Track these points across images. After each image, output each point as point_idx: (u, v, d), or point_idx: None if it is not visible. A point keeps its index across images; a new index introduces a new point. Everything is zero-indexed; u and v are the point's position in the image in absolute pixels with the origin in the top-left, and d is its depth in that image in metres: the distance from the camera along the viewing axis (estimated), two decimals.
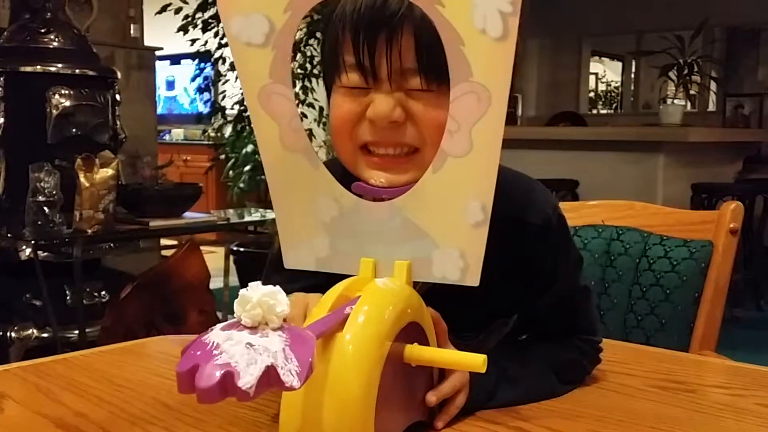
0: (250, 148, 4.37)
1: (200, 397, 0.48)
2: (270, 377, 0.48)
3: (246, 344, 0.49)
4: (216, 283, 2.92)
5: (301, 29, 3.58)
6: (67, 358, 1.00)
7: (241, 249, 3.94)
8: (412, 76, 0.74)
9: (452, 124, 0.68)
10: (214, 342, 0.50)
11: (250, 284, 0.53)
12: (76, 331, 2.54)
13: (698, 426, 0.78)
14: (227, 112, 3.90)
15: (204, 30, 3.55)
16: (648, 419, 0.79)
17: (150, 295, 2.58)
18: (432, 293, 0.76)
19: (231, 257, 3.77)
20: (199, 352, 0.50)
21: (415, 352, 0.67)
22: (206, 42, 3.68)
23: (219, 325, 0.52)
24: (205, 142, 5.38)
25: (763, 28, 6.26)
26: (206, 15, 3.53)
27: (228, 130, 4.24)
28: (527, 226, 0.85)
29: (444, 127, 0.70)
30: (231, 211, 3.69)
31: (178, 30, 3.62)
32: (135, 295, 2.53)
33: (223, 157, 4.41)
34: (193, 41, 3.68)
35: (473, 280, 0.69)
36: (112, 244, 2.86)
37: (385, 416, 0.63)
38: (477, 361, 0.65)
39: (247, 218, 3.56)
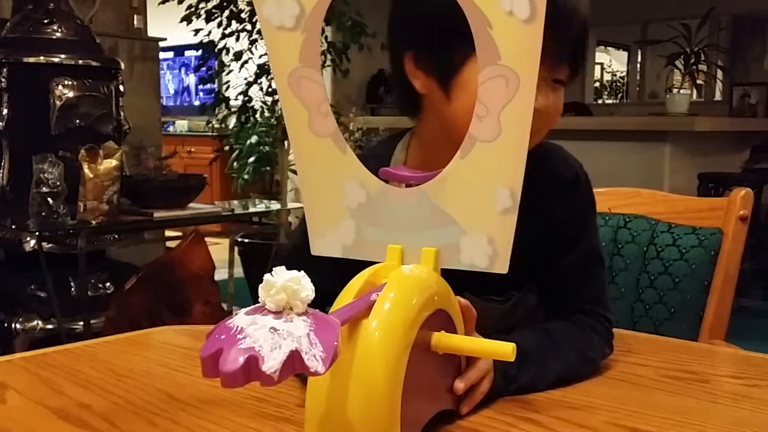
0: (254, 139, 4.35)
1: (224, 381, 0.47)
2: (294, 362, 0.48)
3: (270, 329, 0.49)
4: (220, 274, 2.91)
5: None
6: (70, 349, 0.99)
7: (246, 240, 3.93)
8: (561, 66, 0.81)
9: (481, 109, 0.66)
10: (238, 326, 0.49)
11: (274, 269, 0.52)
12: (81, 323, 2.53)
13: (714, 417, 0.76)
14: (231, 103, 3.89)
15: (208, 20, 3.53)
16: (662, 410, 0.77)
17: (155, 287, 2.57)
18: None
19: (236, 249, 3.76)
20: (223, 336, 0.49)
21: (442, 340, 0.66)
22: (210, 32, 3.66)
23: (243, 310, 0.52)
24: (209, 134, 5.36)
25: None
26: (210, 5, 3.51)
27: (232, 122, 4.22)
28: (558, 180, 0.89)
29: (557, 119, 0.81)
30: (235, 202, 3.68)
31: (182, 20, 3.60)
32: (139, 287, 2.52)
33: (227, 148, 4.39)
34: (197, 31, 3.66)
35: (502, 267, 0.68)
36: (116, 236, 2.86)
37: (412, 404, 0.62)
38: (506, 349, 0.64)
39: (251, 209, 3.55)
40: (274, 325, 0.49)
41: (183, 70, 6.75)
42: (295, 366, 0.48)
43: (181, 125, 6.46)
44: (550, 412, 0.76)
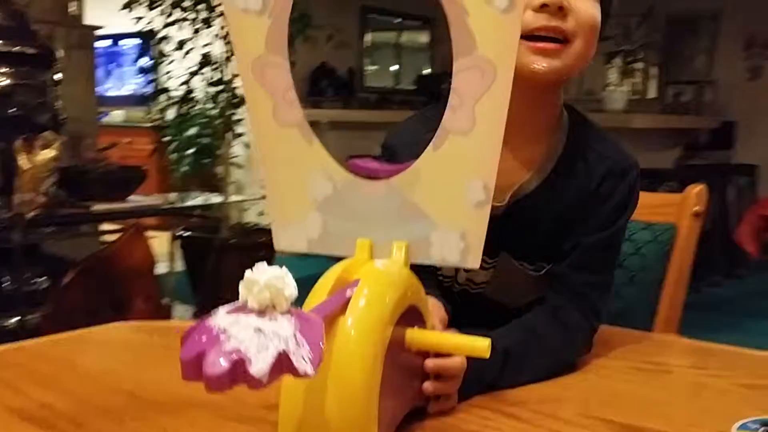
0: (193, 131, 4.27)
1: (209, 385, 0.45)
2: (282, 364, 0.46)
3: (255, 329, 0.47)
4: (160, 268, 2.85)
5: None
6: (24, 347, 0.95)
7: (187, 234, 3.85)
8: None
9: (455, 99, 0.65)
10: (219, 326, 0.47)
11: (256, 265, 0.50)
12: (15, 318, 2.45)
13: (681, 407, 0.78)
14: (172, 93, 3.80)
15: (150, 8, 3.45)
16: (633, 401, 0.78)
17: (93, 281, 2.50)
18: (508, 216, 0.89)
19: (177, 242, 3.69)
20: (204, 338, 0.46)
21: (416, 336, 0.65)
22: (150, 21, 3.57)
23: (222, 309, 0.49)
24: (146, 125, 5.25)
25: (701, 17, 6.39)
26: None
27: (171, 113, 4.13)
28: (610, 162, 0.92)
29: (593, 28, 0.86)
30: (173, 194, 3.60)
31: (124, 7, 3.51)
32: (78, 281, 2.45)
33: (167, 139, 4.31)
34: (139, 19, 3.56)
35: (474, 262, 0.67)
36: (52, 229, 2.77)
37: (388, 402, 0.61)
38: (481, 345, 0.63)
39: (192, 202, 3.49)
40: (258, 325, 0.47)
41: (120, 58, 6.57)
42: (282, 368, 0.46)
43: (117, 115, 6.29)
44: (526, 405, 0.76)
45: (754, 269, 4.52)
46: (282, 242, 0.72)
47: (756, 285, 4.54)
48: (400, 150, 0.93)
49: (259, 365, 0.45)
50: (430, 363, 0.71)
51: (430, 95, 6.18)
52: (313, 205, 0.70)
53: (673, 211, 1.30)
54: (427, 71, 7.16)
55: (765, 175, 5.32)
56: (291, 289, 0.49)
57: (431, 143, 0.67)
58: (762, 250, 2.20)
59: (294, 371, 0.46)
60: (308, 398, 0.57)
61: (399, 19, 7.08)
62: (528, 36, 0.84)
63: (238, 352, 0.45)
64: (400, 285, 0.63)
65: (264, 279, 0.49)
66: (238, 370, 0.45)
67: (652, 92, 6.61)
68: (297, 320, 0.49)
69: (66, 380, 0.82)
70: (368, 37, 6.75)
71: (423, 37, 7.23)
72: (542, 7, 0.83)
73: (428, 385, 0.71)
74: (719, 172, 4.96)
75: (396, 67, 7.16)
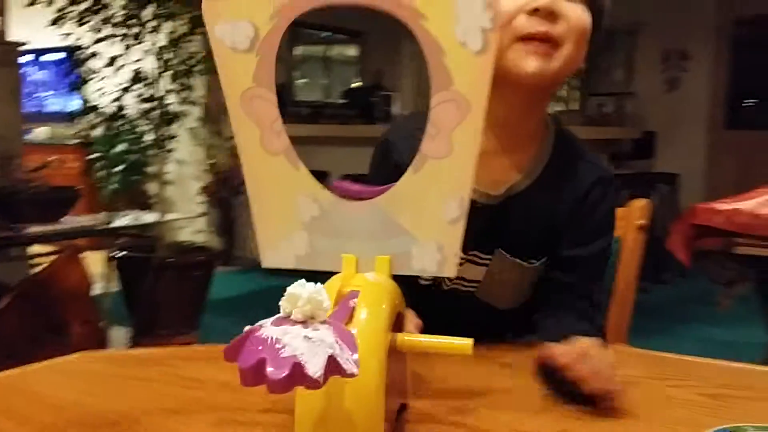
0: (122, 147, 4.19)
1: (272, 389, 0.50)
2: (332, 366, 0.52)
3: (303, 337, 0.52)
4: (94, 290, 2.78)
5: (185, 23, 3.45)
6: None
7: (123, 254, 3.76)
8: None
9: (432, 129, 0.70)
10: (272, 337, 0.53)
11: (297, 282, 0.55)
12: None
13: (655, 419, 0.81)
14: (104, 110, 3.72)
15: (80, 23, 3.37)
16: (604, 415, 0.81)
17: (29, 306, 2.44)
18: (503, 211, 0.96)
19: (111, 263, 3.61)
20: (260, 347, 0.52)
21: (405, 340, 0.70)
22: (79, 38, 3.49)
23: (267, 321, 0.55)
24: (73, 141, 5.11)
25: (618, 31, 6.61)
26: (81, 7, 3.35)
27: (99, 130, 4.03)
28: (602, 173, 1.01)
29: (583, 32, 0.90)
30: (105, 214, 3.52)
31: (53, 23, 3.41)
32: (14, 306, 2.38)
33: (95, 156, 4.21)
34: (68, 35, 3.48)
35: (450, 271, 0.73)
36: None
37: (388, 403, 0.66)
38: (464, 345, 0.68)
39: (127, 222, 3.42)
40: (305, 334, 0.53)
41: (45, 74, 6.39)
42: (332, 370, 0.52)
43: (41, 132, 6.11)
44: (500, 422, 0.79)
45: (679, 275, 4.71)
46: (269, 259, 0.77)
47: (682, 290, 4.72)
48: (398, 144, 1.01)
49: (315, 368, 0.51)
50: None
51: (361, 109, 6.23)
52: (300, 224, 0.75)
53: (618, 224, 1.35)
54: (357, 84, 7.21)
55: (686, 184, 5.56)
56: (327, 301, 0.55)
57: (411, 166, 0.72)
58: (693, 258, 2.31)
59: (342, 372, 0.53)
60: (326, 403, 0.62)
61: (328, 33, 7.12)
62: (519, 38, 0.89)
63: (295, 357, 0.51)
64: (391, 295, 0.69)
65: (306, 294, 0.55)
66: (297, 374, 0.50)
67: (574, 104, 6.82)
68: (334, 329, 0.55)
69: (41, 413, 0.81)
70: (297, 51, 6.76)
71: (351, 51, 7.28)
72: (534, 12, 0.88)
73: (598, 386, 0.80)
74: (643, 180, 5.14)
75: (326, 80, 7.19)
